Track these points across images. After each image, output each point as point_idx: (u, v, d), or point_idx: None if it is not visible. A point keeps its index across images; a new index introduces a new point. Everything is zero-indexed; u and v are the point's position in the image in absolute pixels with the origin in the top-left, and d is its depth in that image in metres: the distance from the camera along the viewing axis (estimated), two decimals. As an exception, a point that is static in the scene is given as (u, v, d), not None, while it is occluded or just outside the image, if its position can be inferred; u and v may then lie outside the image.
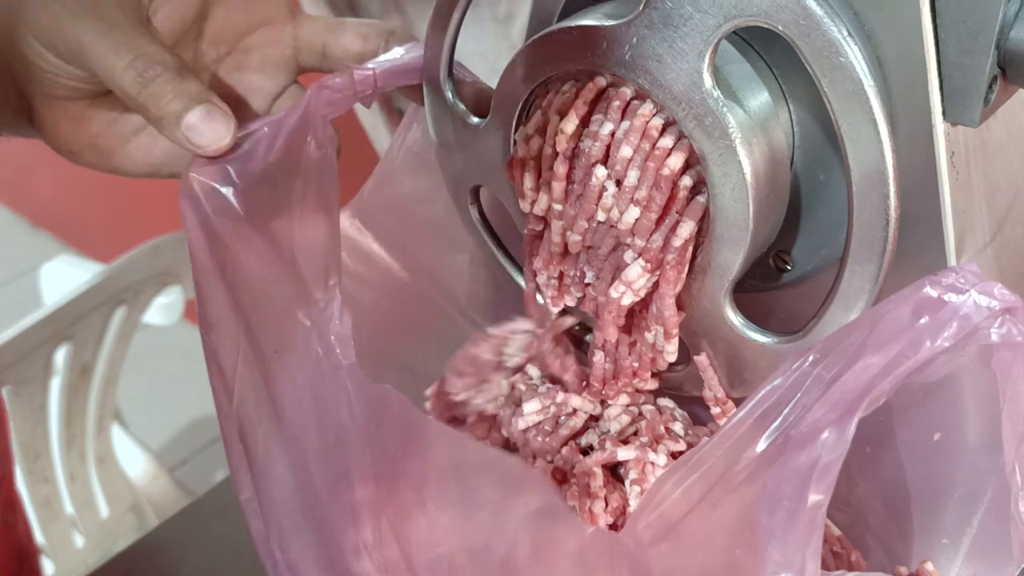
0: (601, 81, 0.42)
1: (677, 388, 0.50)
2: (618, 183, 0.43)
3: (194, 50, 0.50)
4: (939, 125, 0.41)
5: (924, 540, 0.45)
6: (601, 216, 0.44)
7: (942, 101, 0.41)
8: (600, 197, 0.43)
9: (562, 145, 0.44)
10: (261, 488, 0.49)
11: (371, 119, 1.06)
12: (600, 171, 0.42)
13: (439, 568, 0.42)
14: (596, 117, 0.43)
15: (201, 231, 0.47)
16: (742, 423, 0.33)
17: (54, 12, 0.45)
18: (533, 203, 0.47)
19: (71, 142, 0.50)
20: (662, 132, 0.41)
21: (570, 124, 0.43)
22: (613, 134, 0.42)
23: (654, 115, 0.41)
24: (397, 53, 0.50)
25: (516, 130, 0.46)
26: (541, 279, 0.48)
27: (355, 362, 0.44)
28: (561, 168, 0.44)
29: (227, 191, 0.46)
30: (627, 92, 0.42)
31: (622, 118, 0.42)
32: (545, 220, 0.47)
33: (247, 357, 0.47)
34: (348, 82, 0.48)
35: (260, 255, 0.46)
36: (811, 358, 0.33)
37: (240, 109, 0.51)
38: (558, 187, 0.45)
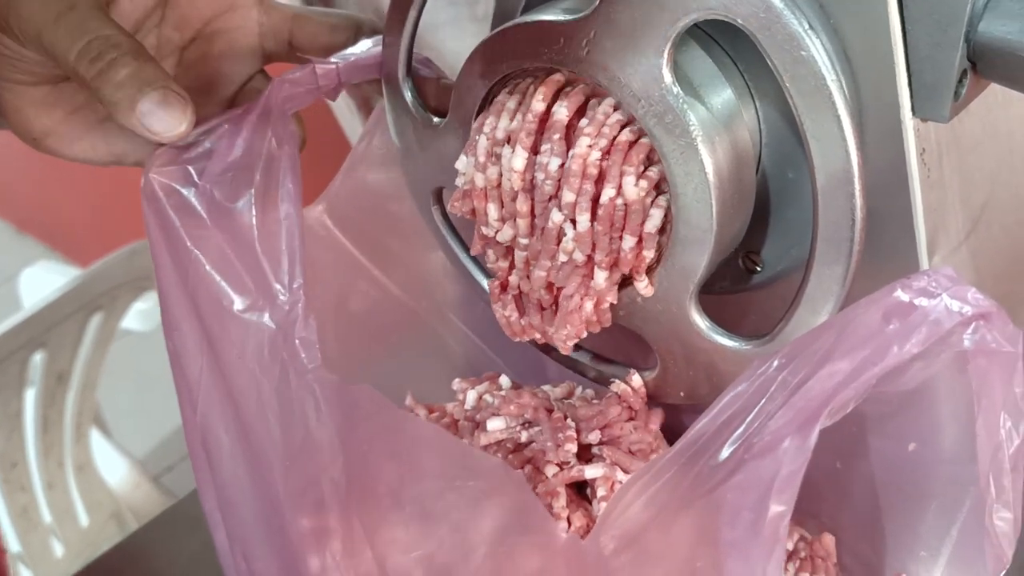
0: (559, 77, 0.41)
1: (653, 396, 0.49)
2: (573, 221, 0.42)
3: (157, 35, 0.49)
4: (908, 121, 0.40)
5: (902, 554, 0.43)
6: (563, 257, 0.43)
7: (911, 96, 0.40)
8: (560, 239, 0.42)
9: (516, 183, 0.42)
10: (224, 499, 0.48)
11: (348, 117, 1.05)
12: (556, 215, 0.41)
13: (413, 573, 0.41)
14: (544, 147, 0.42)
15: (162, 233, 0.46)
16: (705, 430, 0.31)
17: None
18: (497, 232, 0.45)
19: (34, 128, 0.49)
20: (620, 129, 0.40)
21: (519, 159, 0.42)
22: (562, 165, 0.41)
23: (614, 111, 0.40)
24: (364, 46, 0.49)
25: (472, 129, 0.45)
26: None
27: (321, 365, 0.43)
28: (524, 206, 0.43)
29: (188, 192, 0.45)
30: (563, 118, 0.41)
31: (567, 148, 0.41)
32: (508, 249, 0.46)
33: (211, 363, 0.46)
34: (310, 76, 0.47)
35: (222, 257, 0.45)
36: (776, 363, 0.32)
37: (204, 96, 0.50)
38: (523, 224, 0.43)
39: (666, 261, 0.42)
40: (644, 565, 0.32)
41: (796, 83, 0.36)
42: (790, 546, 0.46)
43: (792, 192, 0.44)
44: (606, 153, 0.40)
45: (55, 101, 0.48)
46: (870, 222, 0.40)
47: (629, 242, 0.41)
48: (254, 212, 0.45)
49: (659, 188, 0.41)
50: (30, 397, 1.12)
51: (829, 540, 0.46)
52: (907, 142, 0.40)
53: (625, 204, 0.40)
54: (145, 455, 1.56)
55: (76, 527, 1.23)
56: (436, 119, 0.47)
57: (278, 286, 0.43)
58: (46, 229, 2.44)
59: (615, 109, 0.41)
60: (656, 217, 0.41)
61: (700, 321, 0.43)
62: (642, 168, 0.41)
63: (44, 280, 1.29)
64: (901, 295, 0.31)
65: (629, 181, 0.40)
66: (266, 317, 0.44)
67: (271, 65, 0.53)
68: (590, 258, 0.43)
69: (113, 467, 1.30)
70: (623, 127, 0.41)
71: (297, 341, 0.43)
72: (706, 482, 0.31)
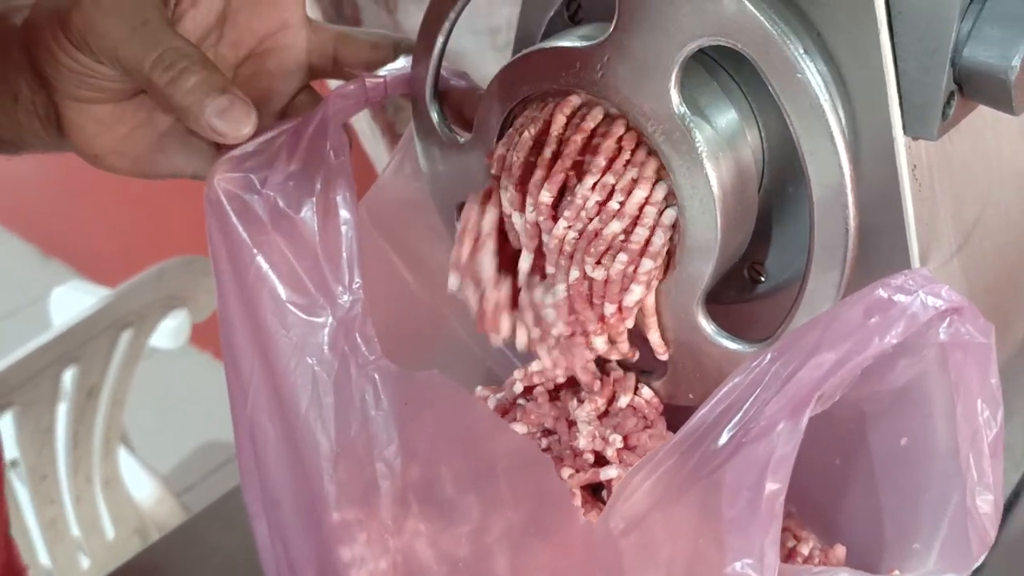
0: (575, 100, 0.44)
1: (664, 399, 0.51)
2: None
3: (214, 54, 0.53)
4: (900, 139, 0.43)
5: (896, 548, 0.46)
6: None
7: (902, 116, 0.43)
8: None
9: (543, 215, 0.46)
10: (268, 490, 0.51)
11: (373, 142, 1.09)
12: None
13: (456, 545, 0.44)
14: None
15: (223, 237, 0.49)
16: (705, 418, 0.34)
17: (87, 12, 0.47)
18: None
19: (96, 146, 0.52)
20: (635, 150, 0.43)
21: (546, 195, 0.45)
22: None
23: (626, 131, 0.43)
24: (403, 62, 0.52)
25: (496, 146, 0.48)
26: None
27: (382, 356, 0.46)
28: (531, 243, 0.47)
29: (251, 198, 0.48)
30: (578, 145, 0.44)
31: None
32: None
33: (263, 361, 0.49)
34: (360, 89, 0.51)
35: (283, 260, 0.48)
36: (769, 356, 0.34)
37: (257, 110, 0.54)
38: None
39: (674, 270, 0.45)
40: (651, 543, 0.35)
41: (792, 103, 0.40)
42: (805, 551, 0.49)
43: (793, 206, 0.47)
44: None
45: (117, 119, 0.52)
46: (866, 235, 0.43)
47: (610, 308, 0.45)
48: (313, 216, 0.48)
49: (667, 201, 0.44)
50: (61, 412, 1.15)
51: (841, 551, 0.49)
52: (899, 158, 0.43)
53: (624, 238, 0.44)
54: (166, 474, 1.59)
55: (102, 540, 1.26)
56: (461, 138, 0.51)
57: (339, 286, 0.46)
58: (71, 253, 2.48)
59: (627, 130, 0.44)
60: (661, 235, 0.45)
61: (707, 326, 0.46)
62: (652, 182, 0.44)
63: (73, 299, 1.33)
64: (881, 293, 0.34)
65: (639, 193, 0.43)
66: (327, 314, 0.47)
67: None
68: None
69: (138, 483, 1.33)
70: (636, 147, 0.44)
71: (358, 335, 0.46)
72: (707, 465, 0.33)
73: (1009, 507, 0.70)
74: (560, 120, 0.44)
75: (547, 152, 0.45)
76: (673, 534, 0.34)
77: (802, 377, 0.32)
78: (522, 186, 0.46)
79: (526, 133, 0.46)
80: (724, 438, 0.33)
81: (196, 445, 1.99)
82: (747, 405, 0.33)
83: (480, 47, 1.03)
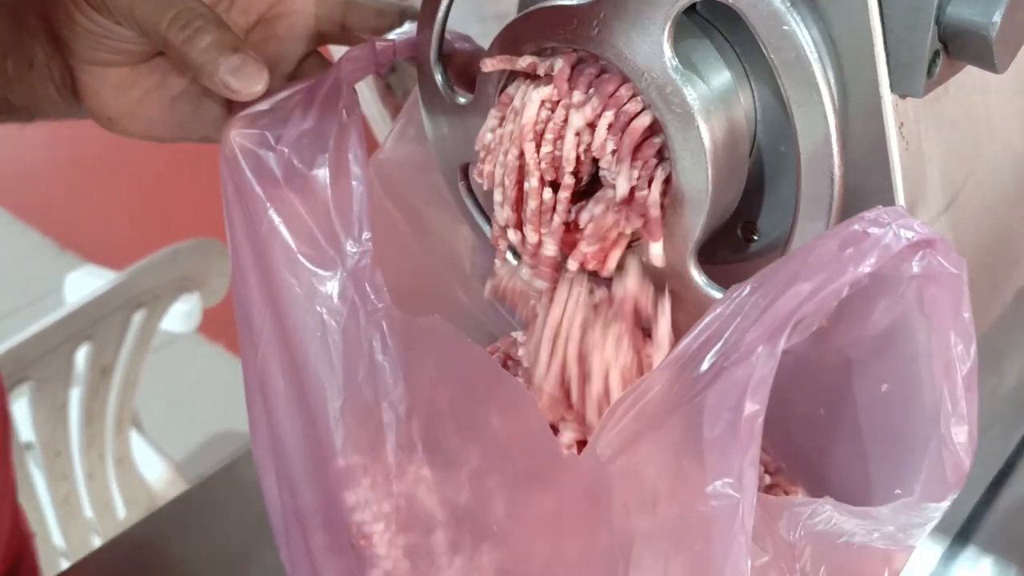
0: (573, 55, 0.46)
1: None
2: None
3: (226, 19, 0.55)
4: (887, 96, 0.44)
5: (879, 494, 0.47)
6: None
7: (889, 74, 0.44)
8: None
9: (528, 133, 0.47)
10: (276, 438, 0.53)
11: (382, 125, 1.11)
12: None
13: (456, 488, 0.46)
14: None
15: (236, 192, 0.51)
16: (688, 347, 0.36)
17: None
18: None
19: (111, 109, 0.54)
20: (629, 99, 0.45)
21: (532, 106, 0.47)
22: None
23: (622, 84, 0.45)
24: (408, 28, 0.54)
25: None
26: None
27: (391, 303, 0.48)
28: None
29: (265, 154, 0.50)
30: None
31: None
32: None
33: (273, 313, 0.51)
34: (370, 52, 0.53)
35: (295, 214, 0.50)
36: (749, 288, 0.36)
37: (268, 73, 0.56)
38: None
39: (667, 221, 0.47)
40: (636, 467, 0.36)
41: (780, 55, 0.41)
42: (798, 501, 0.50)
43: (784, 165, 0.48)
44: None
45: (131, 83, 0.54)
46: (855, 195, 0.44)
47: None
48: (326, 172, 0.50)
49: (661, 155, 0.46)
50: (75, 389, 1.17)
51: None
52: (886, 115, 0.44)
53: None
54: (178, 462, 1.61)
55: (114, 519, 1.28)
56: (462, 99, 0.53)
57: (349, 239, 0.48)
58: (87, 245, 2.52)
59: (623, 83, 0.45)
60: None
61: (698, 277, 0.47)
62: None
63: (87, 283, 1.35)
64: (856, 227, 0.36)
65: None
66: (337, 265, 0.49)
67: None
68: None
69: (149, 464, 1.35)
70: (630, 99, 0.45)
71: (367, 284, 0.48)
72: (689, 391, 0.35)
73: (1004, 477, 0.71)
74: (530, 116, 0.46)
75: (533, 181, 0.47)
76: (657, 457, 0.36)
77: (780, 306, 0.34)
78: (518, 207, 0.48)
79: (510, 155, 0.48)
80: (706, 364, 0.35)
81: (207, 434, 2.02)
82: (728, 333, 0.35)
83: (488, 33, 1.05)
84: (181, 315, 1.27)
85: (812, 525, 0.39)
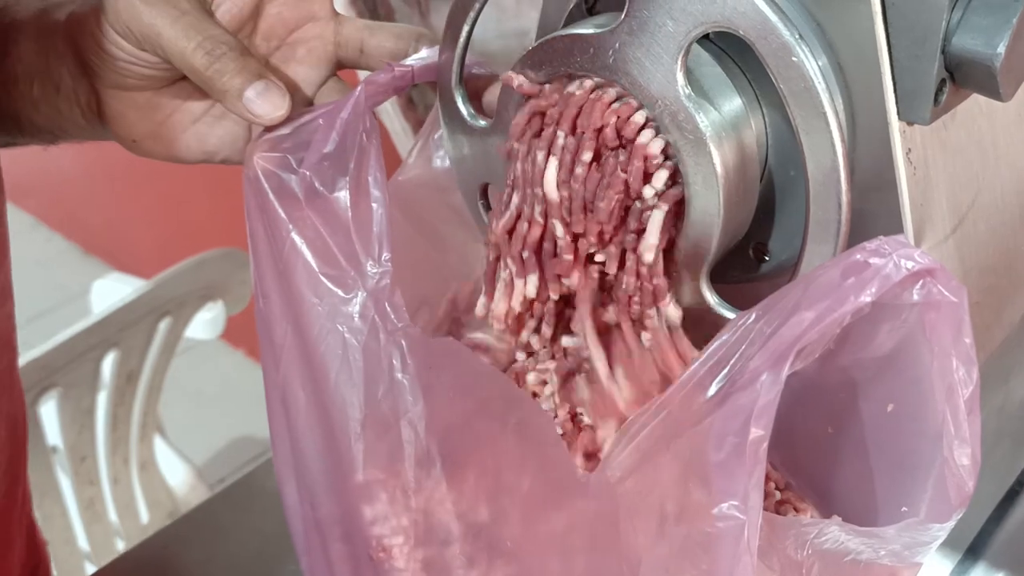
0: (589, 83, 0.47)
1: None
2: None
3: (248, 44, 0.56)
4: (894, 123, 0.45)
5: (885, 512, 0.48)
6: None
7: (896, 102, 0.45)
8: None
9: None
10: (298, 451, 0.54)
11: (404, 140, 1.12)
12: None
13: (473, 504, 0.47)
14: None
15: (260, 212, 0.52)
16: (696, 372, 0.37)
17: (132, 2, 0.51)
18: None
19: (135, 131, 0.56)
20: (642, 127, 0.46)
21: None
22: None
23: (636, 111, 0.46)
24: (426, 53, 0.56)
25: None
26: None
27: (410, 323, 0.50)
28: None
29: (287, 177, 0.52)
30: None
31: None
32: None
33: (295, 329, 0.52)
34: (390, 77, 0.54)
35: (317, 235, 0.51)
36: (754, 315, 0.37)
37: (290, 98, 0.57)
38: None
39: (680, 243, 0.48)
40: (644, 489, 0.37)
41: (789, 84, 0.42)
42: (805, 520, 0.51)
43: (794, 188, 0.49)
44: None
45: (155, 107, 0.56)
46: (863, 219, 0.45)
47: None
48: (347, 195, 0.51)
49: (674, 179, 0.47)
50: (102, 395, 1.20)
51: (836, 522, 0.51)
52: (894, 141, 0.45)
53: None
54: (200, 467, 1.63)
55: (137, 523, 1.30)
56: (483, 122, 0.54)
57: (369, 260, 0.50)
58: (111, 250, 2.55)
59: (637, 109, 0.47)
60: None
61: (710, 297, 0.48)
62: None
63: (113, 290, 1.38)
64: (857, 256, 0.37)
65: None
66: (358, 286, 0.51)
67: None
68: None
69: (173, 469, 1.37)
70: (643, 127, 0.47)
71: (387, 304, 0.50)
72: (696, 415, 0.36)
73: (1014, 494, 0.72)
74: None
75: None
76: (666, 479, 0.37)
77: (783, 333, 0.35)
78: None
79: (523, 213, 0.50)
80: (712, 390, 0.36)
81: (229, 440, 2.04)
82: (734, 359, 0.36)
83: (508, 49, 1.06)
84: (205, 323, 1.29)
85: (819, 544, 0.41)
